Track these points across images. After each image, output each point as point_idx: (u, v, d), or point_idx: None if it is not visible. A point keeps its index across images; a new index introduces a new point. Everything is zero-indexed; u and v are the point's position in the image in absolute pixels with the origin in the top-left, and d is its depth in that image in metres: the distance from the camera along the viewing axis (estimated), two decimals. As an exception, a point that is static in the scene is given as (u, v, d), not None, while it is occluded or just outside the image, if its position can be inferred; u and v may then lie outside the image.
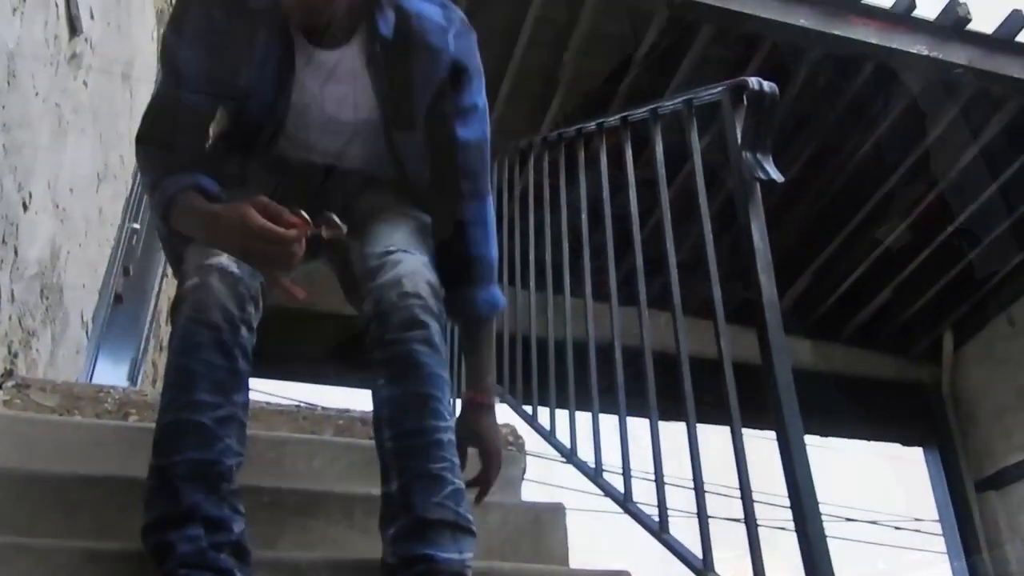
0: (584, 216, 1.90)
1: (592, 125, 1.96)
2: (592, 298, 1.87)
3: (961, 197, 5.49)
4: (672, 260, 1.49)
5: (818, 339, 6.46)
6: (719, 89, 1.37)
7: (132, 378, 3.48)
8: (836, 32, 4.54)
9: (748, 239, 1.23)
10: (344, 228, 1.30)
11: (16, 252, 1.83)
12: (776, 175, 1.23)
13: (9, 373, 1.90)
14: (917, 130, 5.13)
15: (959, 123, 5.05)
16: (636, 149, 2.03)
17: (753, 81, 1.26)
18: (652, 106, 1.64)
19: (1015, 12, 4.59)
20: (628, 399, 1.61)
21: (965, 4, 4.55)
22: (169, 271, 3.94)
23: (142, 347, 3.56)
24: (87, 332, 2.60)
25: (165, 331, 4.12)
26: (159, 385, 4.23)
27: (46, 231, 2.04)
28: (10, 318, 1.86)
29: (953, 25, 4.55)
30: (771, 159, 1.25)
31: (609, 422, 1.69)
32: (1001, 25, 4.62)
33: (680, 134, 1.69)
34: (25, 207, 1.85)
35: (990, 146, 5.12)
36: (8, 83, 1.67)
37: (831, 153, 5.35)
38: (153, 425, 1.29)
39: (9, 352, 1.89)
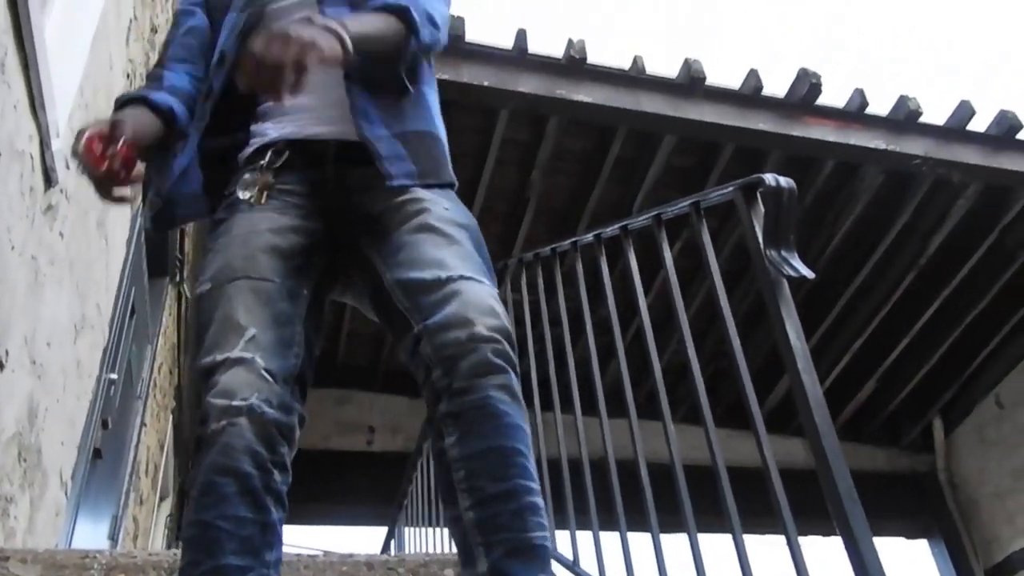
0: (588, 328, 1.85)
1: (590, 237, 1.93)
2: (607, 415, 1.80)
3: (934, 283, 5.55)
4: (696, 369, 1.43)
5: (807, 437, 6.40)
6: (730, 189, 1.35)
7: (113, 536, 3.31)
8: (795, 133, 4.67)
9: (784, 339, 1.18)
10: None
11: (-7, 414, 1.73)
12: (806, 271, 1.20)
13: (-13, 545, 1.77)
14: (884, 221, 5.22)
15: (924, 211, 5.16)
16: (613, 261, 2.02)
17: (769, 178, 1.24)
18: (655, 211, 1.62)
19: (963, 103, 4.76)
20: (657, 515, 1.53)
21: (915, 98, 4.71)
22: (148, 420, 3.81)
23: (122, 503, 3.40)
24: (66, 492, 2.47)
25: (145, 484, 3.95)
26: (140, 542, 4.03)
27: (23, 389, 1.94)
28: (-13, 485, 1.75)
29: (906, 119, 4.69)
30: (796, 254, 1.22)
31: (639, 541, 1.60)
32: (952, 115, 4.78)
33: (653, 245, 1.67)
34: (2, 366, 1.77)
35: (956, 231, 5.21)
36: (-16, 238, 1.62)
37: (801, 250, 5.38)
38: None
39: (-14, 522, 1.77)
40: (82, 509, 2.77)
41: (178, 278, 4.22)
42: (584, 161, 5.09)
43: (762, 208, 1.27)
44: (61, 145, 2.01)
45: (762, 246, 1.24)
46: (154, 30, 3.16)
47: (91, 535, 2.96)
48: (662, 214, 1.60)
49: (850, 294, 5.60)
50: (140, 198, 3.17)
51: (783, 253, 1.22)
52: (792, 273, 1.20)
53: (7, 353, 1.80)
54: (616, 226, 1.78)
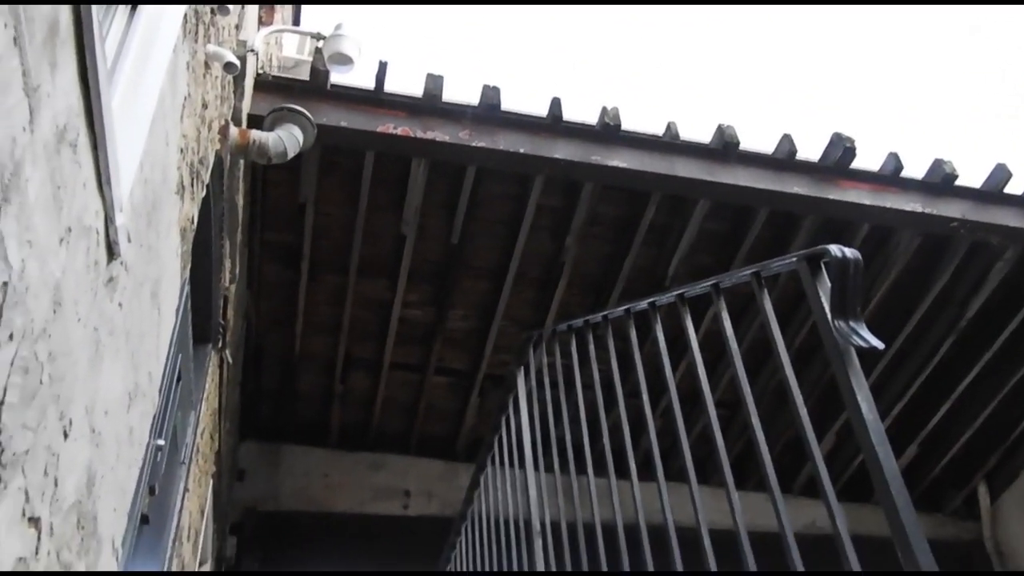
0: (645, 397, 1.86)
1: (644, 304, 1.95)
2: (664, 478, 1.81)
3: (974, 348, 5.49)
4: (763, 443, 1.44)
5: (848, 502, 6.27)
6: (793, 259, 1.36)
7: (155, 605, 3.31)
8: (830, 196, 4.69)
9: (855, 411, 1.18)
10: None
11: (56, 483, 1.77)
12: (876, 342, 1.21)
13: (46, 614, 1.79)
14: (921, 286, 5.19)
15: (961, 275, 5.13)
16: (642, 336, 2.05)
17: (834, 249, 1.26)
18: (713, 280, 1.64)
19: (999, 166, 4.77)
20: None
21: (950, 162, 4.73)
22: (190, 485, 3.83)
23: (165, 567, 3.41)
24: (117, 558, 2.48)
25: (186, 549, 3.96)
26: (179, 610, 4.01)
27: (83, 458, 1.98)
28: (49, 553, 1.77)
29: (942, 182, 4.70)
30: (864, 325, 1.22)
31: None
32: (988, 179, 4.78)
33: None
34: (66, 435, 1.81)
35: (995, 295, 5.17)
36: (54, 312, 1.67)
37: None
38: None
39: (46, 591, 1.79)
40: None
41: (220, 344, 4.27)
42: (618, 227, 5.13)
43: (827, 279, 1.29)
44: (124, 220, 2.07)
45: (830, 317, 1.25)
46: (204, 106, 3.26)
47: (135, 603, 2.96)
48: (720, 283, 1.62)
49: (888, 359, 5.54)
50: (187, 268, 3.25)
51: (851, 324, 1.23)
52: (862, 344, 1.20)
53: (71, 423, 1.84)
54: (673, 294, 1.80)
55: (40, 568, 1.71)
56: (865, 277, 5.29)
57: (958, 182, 4.73)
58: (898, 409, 5.84)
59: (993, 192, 4.76)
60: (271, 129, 3.94)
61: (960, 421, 5.95)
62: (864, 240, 4.95)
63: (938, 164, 4.71)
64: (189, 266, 3.29)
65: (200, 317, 3.85)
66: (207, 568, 5.13)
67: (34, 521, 1.64)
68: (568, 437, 2.51)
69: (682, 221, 4.98)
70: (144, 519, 2.90)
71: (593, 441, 2.29)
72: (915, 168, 4.78)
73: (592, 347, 2.29)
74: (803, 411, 1.30)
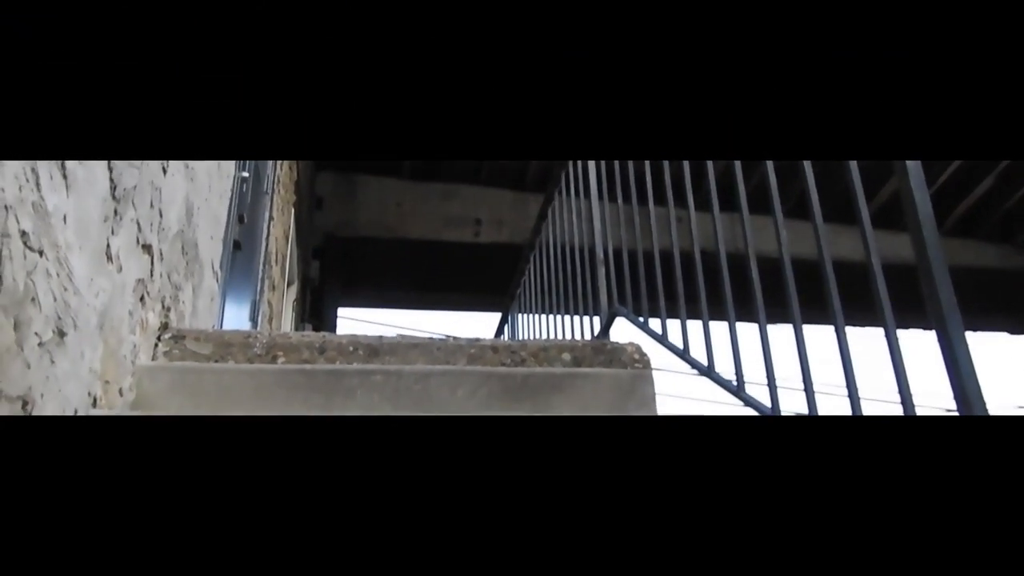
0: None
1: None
2: (720, 209, 1.90)
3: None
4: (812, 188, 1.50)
5: (915, 251, 6.33)
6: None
7: (253, 318, 3.66)
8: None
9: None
10: None
11: (161, 214, 1.94)
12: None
13: (165, 326, 2.03)
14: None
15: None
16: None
17: None
18: None
19: None
20: (767, 308, 1.65)
21: None
22: (274, 214, 4.08)
23: (258, 289, 3.73)
24: (217, 280, 2.74)
25: (275, 272, 4.29)
26: (275, 323, 4.41)
27: (181, 191, 2.15)
28: (161, 275, 1.98)
29: None
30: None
31: (747, 332, 1.74)
32: None
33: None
34: (164, 171, 1.96)
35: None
36: (142, 54, 1.75)
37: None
38: (301, 367, 1.35)
39: (163, 307, 2.02)
40: (228, 295, 3.08)
41: (293, 78, 4.35)
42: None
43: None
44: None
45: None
46: None
47: (236, 318, 3.29)
48: None
49: (972, 86, 5.35)
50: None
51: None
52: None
53: (168, 160, 1.98)
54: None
55: (156, 289, 1.94)
56: None
57: None
58: (976, 139, 5.73)
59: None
60: None
61: (1040, 152, 5.83)
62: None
63: None
64: None
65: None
66: (294, 289, 5.54)
67: (147, 248, 1.83)
68: (631, 172, 2.60)
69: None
70: (237, 245, 3.15)
71: (656, 174, 2.36)
72: None
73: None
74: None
